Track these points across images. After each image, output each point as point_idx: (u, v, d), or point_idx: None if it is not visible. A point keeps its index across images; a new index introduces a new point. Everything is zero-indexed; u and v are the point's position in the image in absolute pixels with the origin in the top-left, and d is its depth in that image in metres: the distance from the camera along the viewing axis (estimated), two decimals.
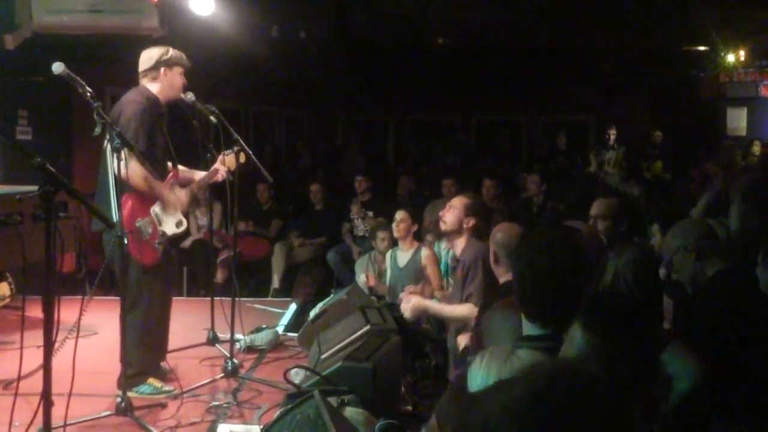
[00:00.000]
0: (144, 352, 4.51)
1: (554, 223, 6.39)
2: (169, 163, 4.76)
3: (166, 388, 4.51)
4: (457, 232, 4.84)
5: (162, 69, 4.60)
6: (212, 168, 4.94)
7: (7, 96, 7.45)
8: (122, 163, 3.98)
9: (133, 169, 4.27)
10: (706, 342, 3.07)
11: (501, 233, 4.01)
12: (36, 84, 7.46)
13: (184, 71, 4.70)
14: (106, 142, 4.17)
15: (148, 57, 4.63)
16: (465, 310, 4.47)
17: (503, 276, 3.93)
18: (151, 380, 4.51)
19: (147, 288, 4.49)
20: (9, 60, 7.19)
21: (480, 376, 1.91)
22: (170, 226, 4.61)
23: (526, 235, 2.92)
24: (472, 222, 4.76)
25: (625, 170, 10.44)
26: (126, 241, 4.13)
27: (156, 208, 4.54)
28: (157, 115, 4.59)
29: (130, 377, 4.29)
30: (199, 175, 4.98)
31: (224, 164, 4.92)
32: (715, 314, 3.25)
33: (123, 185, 4.13)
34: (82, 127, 6.96)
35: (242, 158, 4.99)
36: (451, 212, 4.85)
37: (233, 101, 11.18)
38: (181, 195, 4.74)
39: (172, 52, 4.64)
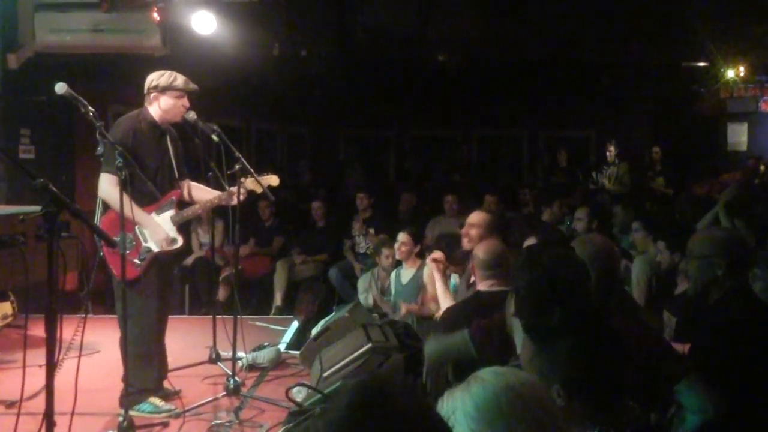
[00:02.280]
0: (140, 368, 4.47)
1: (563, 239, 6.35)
2: (173, 183, 4.71)
3: (168, 406, 4.50)
4: None
5: (152, 95, 4.59)
6: (229, 190, 4.82)
7: (10, 115, 7.48)
8: (102, 178, 4.13)
9: (103, 185, 4.37)
10: (717, 359, 3.04)
11: (481, 249, 4.13)
12: (39, 103, 7.49)
13: (182, 94, 4.61)
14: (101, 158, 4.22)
15: (146, 81, 4.63)
16: None
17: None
18: (152, 399, 4.50)
19: (132, 304, 4.42)
20: (12, 79, 7.24)
21: (445, 397, 1.86)
22: (156, 243, 4.53)
23: (531, 252, 2.94)
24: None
25: (627, 186, 10.43)
26: (102, 254, 4.30)
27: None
28: (152, 136, 4.56)
29: (131, 395, 4.29)
30: (212, 193, 4.87)
31: (246, 187, 4.84)
32: (730, 332, 3.20)
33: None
34: (85, 147, 6.98)
35: (273, 180, 5.01)
36: (475, 230, 4.91)
37: (235, 119, 11.21)
38: (158, 229, 4.51)
39: (163, 78, 4.57)
